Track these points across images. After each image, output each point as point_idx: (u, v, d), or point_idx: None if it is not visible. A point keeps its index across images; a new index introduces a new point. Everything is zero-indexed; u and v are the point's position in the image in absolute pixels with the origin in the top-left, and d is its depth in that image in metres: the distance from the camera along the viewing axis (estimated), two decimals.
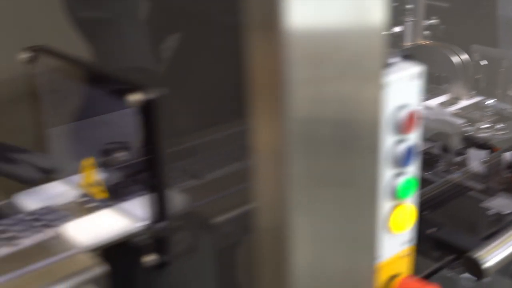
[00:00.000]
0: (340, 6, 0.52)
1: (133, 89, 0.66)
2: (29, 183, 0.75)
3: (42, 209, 0.76)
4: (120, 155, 0.79)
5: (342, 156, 0.56)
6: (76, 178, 0.82)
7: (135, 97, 0.66)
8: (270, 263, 0.57)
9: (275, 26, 0.49)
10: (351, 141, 0.57)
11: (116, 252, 0.71)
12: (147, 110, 0.67)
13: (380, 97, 0.57)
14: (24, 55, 0.80)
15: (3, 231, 0.73)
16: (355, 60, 0.54)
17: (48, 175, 0.76)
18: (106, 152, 0.81)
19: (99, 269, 0.68)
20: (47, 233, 0.72)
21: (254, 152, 0.54)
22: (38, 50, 0.80)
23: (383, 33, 0.55)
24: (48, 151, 0.83)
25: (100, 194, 0.78)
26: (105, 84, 0.73)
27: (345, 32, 0.53)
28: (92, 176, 0.78)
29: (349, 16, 0.53)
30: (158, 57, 0.82)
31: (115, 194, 0.78)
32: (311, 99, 0.52)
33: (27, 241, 0.71)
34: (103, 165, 0.78)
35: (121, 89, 0.70)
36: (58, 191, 0.80)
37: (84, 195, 0.80)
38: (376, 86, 0.57)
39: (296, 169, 0.53)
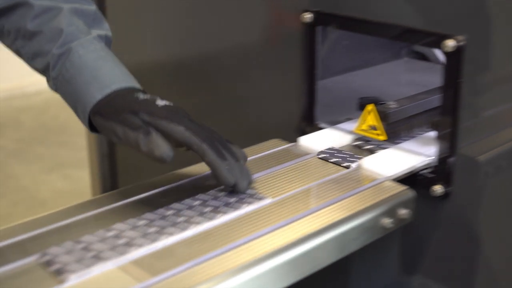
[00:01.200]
0: None
1: (445, 36, 0.77)
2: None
3: (328, 149, 0.87)
4: (391, 103, 0.88)
5: None
6: (346, 125, 0.93)
7: (449, 43, 0.76)
8: None
9: None
10: None
11: (408, 183, 0.81)
12: (456, 55, 0.77)
13: None
14: (306, 16, 0.91)
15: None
16: None
17: None
18: (363, 106, 0.91)
19: (408, 193, 0.78)
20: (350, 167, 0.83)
21: None
22: (318, 13, 0.90)
23: None
24: (316, 101, 0.94)
25: (378, 136, 0.88)
26: (403, 37, 0.83)
27: None
28: (370, 121, 0.89)
29: None
30: None
31: (392, 136, 0.88)
32: None
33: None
34: (379, 112, 0.88)
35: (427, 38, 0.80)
36: (335, 136, 0.91)
37: (362, 139, 0.90)
38: None
39: None
